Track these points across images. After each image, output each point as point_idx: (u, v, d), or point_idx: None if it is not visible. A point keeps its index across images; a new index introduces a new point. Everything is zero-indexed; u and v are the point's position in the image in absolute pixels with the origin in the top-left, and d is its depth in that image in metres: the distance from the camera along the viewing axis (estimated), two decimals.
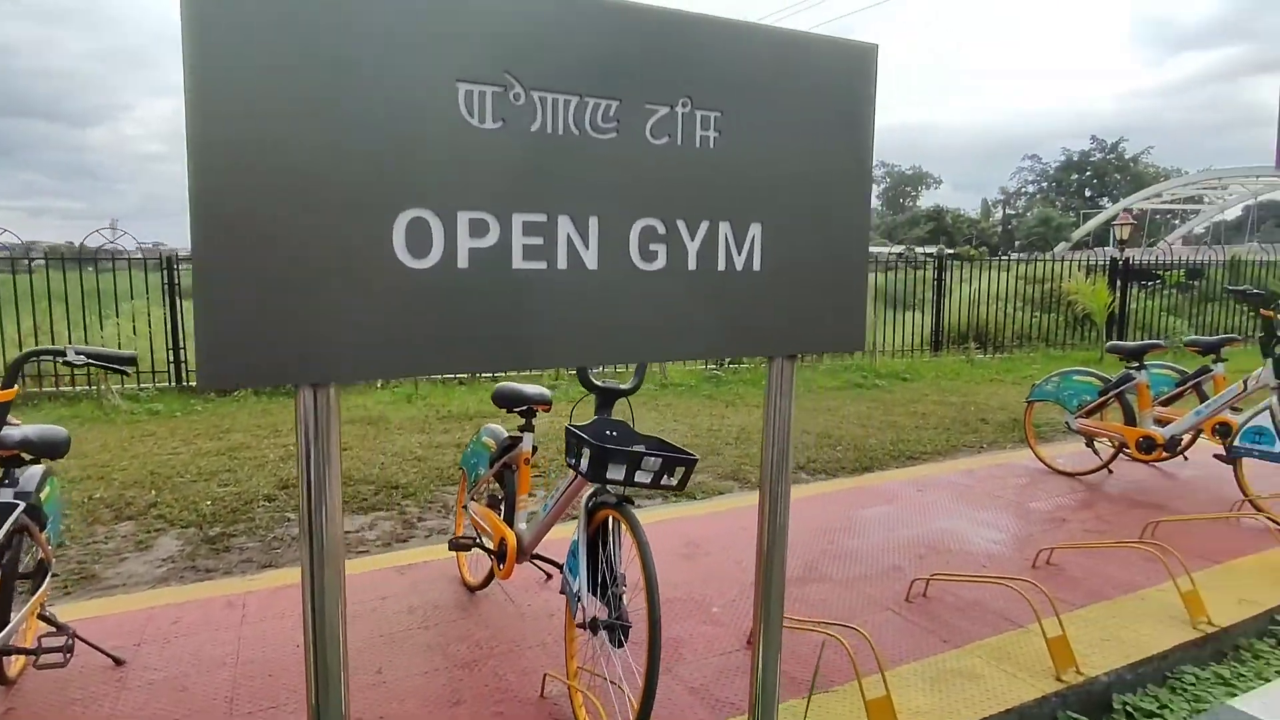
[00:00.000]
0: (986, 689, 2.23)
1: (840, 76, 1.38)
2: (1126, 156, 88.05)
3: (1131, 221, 11.82)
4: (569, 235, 1.17)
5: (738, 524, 3.73)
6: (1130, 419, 4.21)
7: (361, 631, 2.56)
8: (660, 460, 2.00)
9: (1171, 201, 55.85)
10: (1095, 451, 4.46)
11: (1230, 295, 3.93)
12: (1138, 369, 4.22)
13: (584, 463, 2.04)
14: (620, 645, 2.00)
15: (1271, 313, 4.04)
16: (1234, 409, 4.46)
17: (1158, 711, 2.22)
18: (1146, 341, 4.24)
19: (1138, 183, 74.64)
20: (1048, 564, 3.14)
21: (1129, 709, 2.24)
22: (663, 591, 1.96)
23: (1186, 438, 4.70)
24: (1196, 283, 13.28)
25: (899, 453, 5.42)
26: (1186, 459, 4.70)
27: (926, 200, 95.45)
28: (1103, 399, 4.34)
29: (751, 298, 1.36)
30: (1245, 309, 12.98)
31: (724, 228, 1.31)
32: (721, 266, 1.32)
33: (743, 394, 7.86)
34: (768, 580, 1.55)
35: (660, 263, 1.26)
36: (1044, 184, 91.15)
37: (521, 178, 1.12)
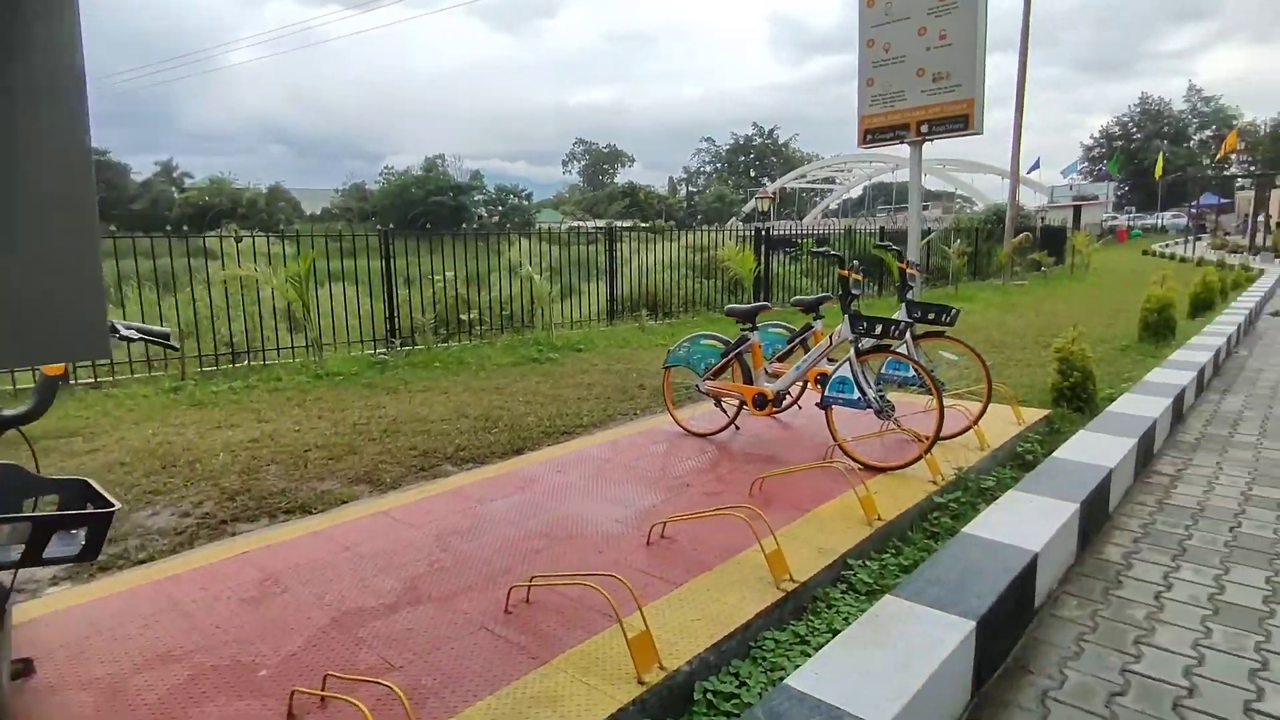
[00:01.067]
0: (564, 714, 1.93)
1: None
2: (780, 142, 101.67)
3: (769, 196, 13.32)
4: None
5: (346, 542, 3.12)
6: (748, 378, 4.39)
7: None
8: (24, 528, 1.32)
9: (813, 181, 65.76)
10: (724, 410, 4.62)
11: (814, 255, 4.20)
12: (751, 330, 4.43)
13: None
14: None
15: (847, 272, 4.49)
16: (832, 360, 4.92)
17: (736, 691, 2.12)
18: (755, 304, 4.47)
19: (789, 165, 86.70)
20: (661, 538, 3.03)
21: (709, 695, 2.11)
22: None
23: (795, 390, 5.09)
24: (824, 249, 15.47)
25: (556, 429, 5.21)
26: (800, 408, 5.14)
27: (622, 177, 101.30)
28: (725, 360, 4.48)
29: None
30: (867, 279, 15.50)
31: None
32: None
33: (409, 378, 7.15)
34: None
35: None
36: (718, 164, 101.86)
37: None
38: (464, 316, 9.67)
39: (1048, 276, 21.05)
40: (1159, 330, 8.07)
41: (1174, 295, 8.27)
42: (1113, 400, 5.24)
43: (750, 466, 4.00)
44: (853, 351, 3.90)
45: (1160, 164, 45.78)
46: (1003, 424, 4.61)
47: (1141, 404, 4.78)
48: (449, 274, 9.76)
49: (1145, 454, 4.20)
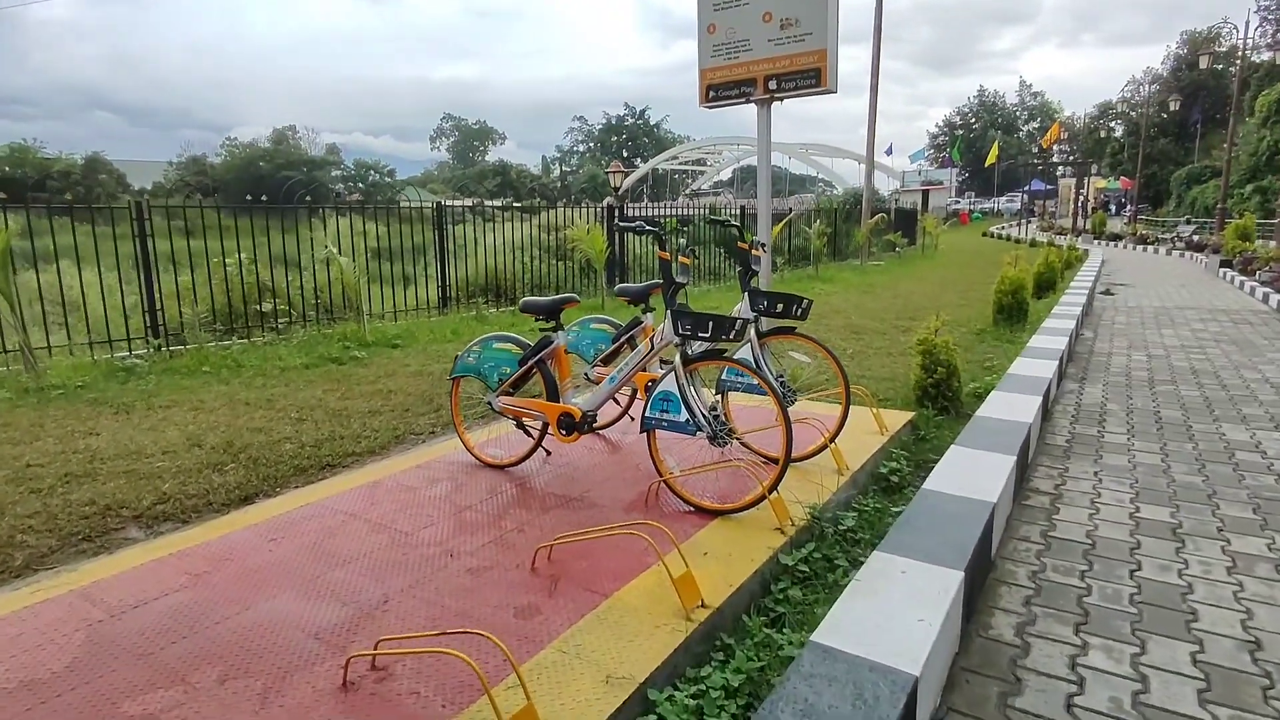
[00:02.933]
0: None
1: None
2: (652, 123, 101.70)
3: (622, 170, 12.37)
4: None
5: None
6: (552, 392, 3.37)
7: None
8: None
9: (684, 163, 65.92)
10: (527, 432, 3.58)
11: (711, 224, 3.27)
12: (554, 329, 3.41)
13: None
14: None
15: (746, 245, 3.60)
16: (668, 363, 4.01)
17: None
18: (559, 296, 3.44)
19: (660, 146, 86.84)
20: (371, 669, 1.96)
21: None
22: None
23: (623, 398, 4.15)
24: (687, 229, 14.75)
25: (317, 461, 3.98)
26: (633, 419, 4.20)
27: (494, 155, 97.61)
28: (524, 369, 3.44)
29: None
30: (725, 254, 14.91)
31: None
32: None
33: (156, 391, 5.61)
34: None
35: None
36: (591, 144, 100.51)
37: None
38: (262, 307, 8.07)
39: (902, 256, 21.57)
40: (1012, 313, 7.83)
41: (1025, 277, 8.07)
42: (981, 399, 4.67)
43: (547, 518, 2.98)
44: (678, 360, 2.97)
45: (995, 151, 49.21)
46: (862, 435, 3.87)
47: (1011, 405, 4.19)
48: (242, 257, 8.10)
49: (1021, 469, 3.56)
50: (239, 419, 4.83)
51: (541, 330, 3.38)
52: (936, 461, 3.83)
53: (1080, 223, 34.75)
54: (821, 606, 2.29)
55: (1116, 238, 28.49)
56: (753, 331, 3.63)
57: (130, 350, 6.87)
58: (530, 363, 3.39)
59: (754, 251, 3.70)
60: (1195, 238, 21.60)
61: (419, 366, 6.42)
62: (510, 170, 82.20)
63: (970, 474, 3.05)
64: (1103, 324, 8.83)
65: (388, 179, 71.55)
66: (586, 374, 4.06)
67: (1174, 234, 25.19)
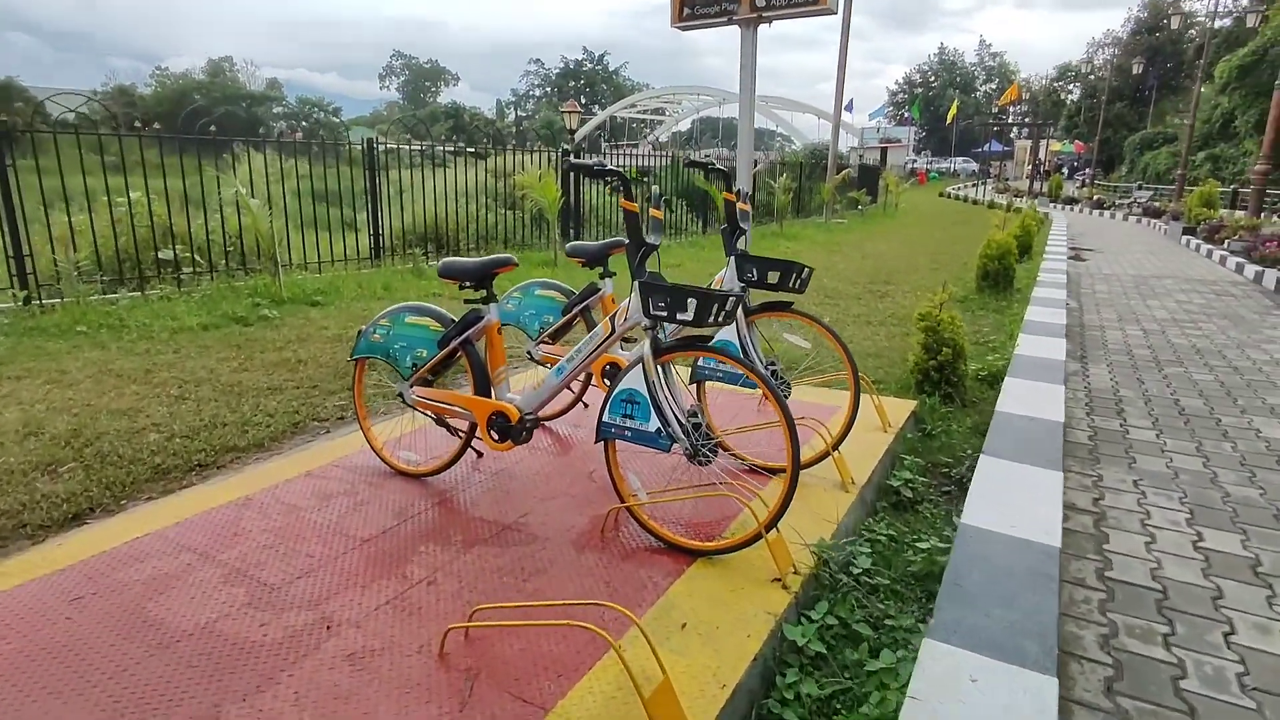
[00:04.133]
0: None
1: None
2: (611, 69, 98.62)
3: (578, 110, 11.35)
4: None
5: None
6: (481, 383, 2.59)
7: None
8: None
9: (643, 111, 64.11)
10: (450, 430, 2.80)
11: (690, 167, 2.31)
12: (485, 301, 2.60)
13: None
14: None
15: (734, 196, 2.84)
16: (630, 343, 3.27)
17: None
18: (491, 257, 2.62)
19: (619, 94, 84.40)
20: None
21: None
22: None
23: (576, 384, 3.40)
24: (647, 179, 13.83)
25: (185, 458, 3.13)
26: (586, 406, 3.46)
27: (446, 97, 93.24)
28: (445, 352, 2.64)
29: None
30: (689, 206, 14.03)
31: None
32: None
33: (6, 357, 4.61)
34: None
35: None
36: (548, 89, 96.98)
37: None
38: (159, 255, 6.98)
39: (864, 214, 21.04)
40: (998, 280, 7.27)
41: (1011, 243, 7.50)
42: (986, 384, 4.07)
43: (469, 559, 2.23)
44: (647, 349, 2.22)
45: (954, 109, 48.84)
46: (863, 432, 3.20)
47: (1033, 397, 3.58)
48: (133, 196, 6.96)
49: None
50: (102, 396, 3.92)
51: (468, 302, 2.58)
52: (949, 467, 3.21)
53: (1037, 185, 34.78)
54: (850, 718, 1.62)
55: (1072, 201, 28.48)
56: (648, 347, 2.87)
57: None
58: (454, 343, 2.60)
59: (740, 205, 2.94)
60: (1155, 204, 21.56)
61: (337, 329, 5.52)
62: (463, 113, 78.90)
63: (1013, 498, 2.42)
64: (1084, 293, 8.36)
65: (334, 118, 67.88)
66: (530, 352, 3.29)
67: (1131, 199, 25.22)
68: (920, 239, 14.75)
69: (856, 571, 2.28)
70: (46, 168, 6.07)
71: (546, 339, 3.25)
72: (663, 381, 2.25)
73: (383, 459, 2.87)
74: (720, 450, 2.50)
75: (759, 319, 2.92)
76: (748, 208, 2.99)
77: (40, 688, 1.65)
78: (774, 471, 2.82)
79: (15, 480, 2.88)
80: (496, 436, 2.52)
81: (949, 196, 36.07)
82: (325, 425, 3.60)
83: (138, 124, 7.21)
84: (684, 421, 2.23)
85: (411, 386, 2.70)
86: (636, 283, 2.22)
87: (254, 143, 8.76)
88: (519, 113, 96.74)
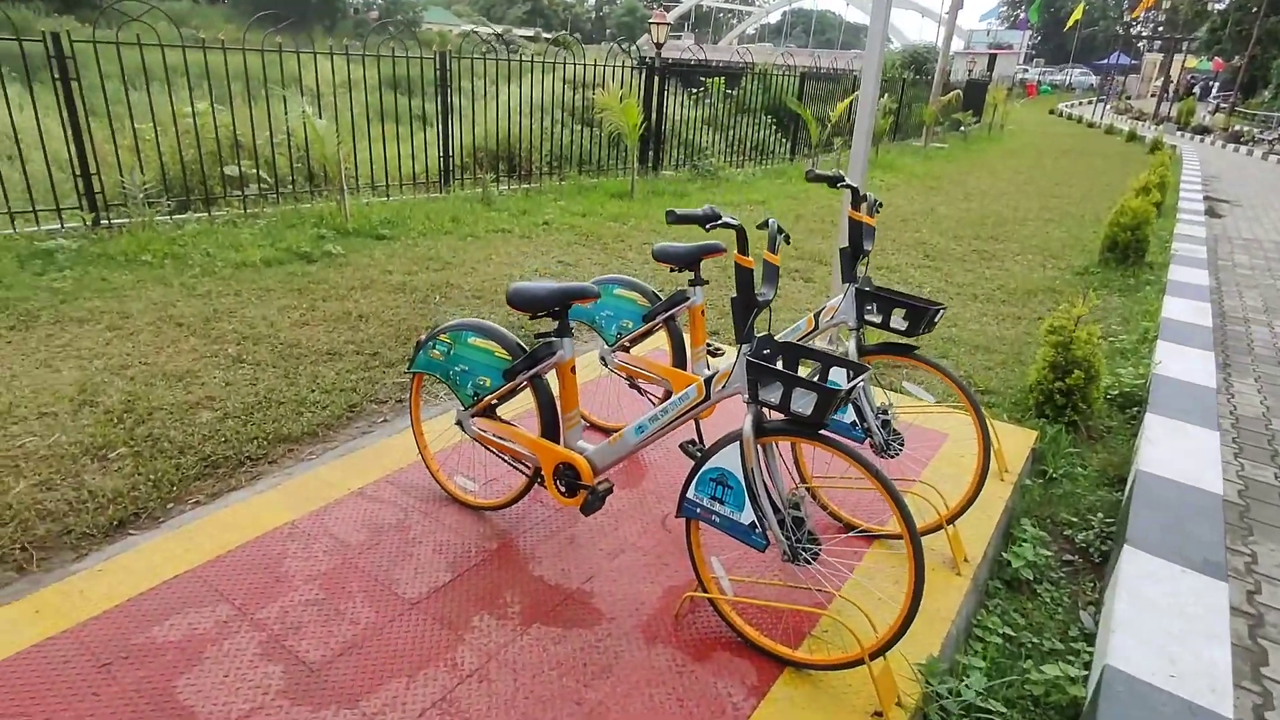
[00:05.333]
0: None
1: None
2: None
3: (666, 21, 10.37)
4: None
5: None
6: (549, 426, 2.27)
7: None
8: None
9: (730, 0, 59.98)
10: (514, 465, 2.50)
11: (813, 180, 1.81)
12: (558, 334, 2.23)
13: None
14: None
15: (862, 214, 2.38)
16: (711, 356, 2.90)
17: None
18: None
19: None
20: None
21: None
22: None
23: (652, 400, 3.07)
24: (734, 91, 12.82)
25: (237, 448, 2.97)
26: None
27: None
28: (509, 386, 2.31)
29: None
30: (781, 136, 12.98)
31: None
32: None
33: (73, 292, 4.54)
34: None
35: None
36: None
37: None
38: (225, 171, 6.78)
39: (967, 137, 19.34)
40: (1129, 252, 6.44)
41: (1151, 210, 6.57)
42: (1117, 407, 3.55)
43: (524, 643, 1.98)
44: (748, 425, 1.85)
45: (1079, 12, 43.72)
46: (973, 477, 2.78)
47: (1183, 453, 3.05)
48: (200, 106, 6.71)
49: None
50: (160, 352, 3.79)
51: (540, 336, 2.22)
52: (1073, 527, 2.79)
53: (1165, 109, 31.28)
54: None
55: (1204, 131, 25.55)
56: (852, 344, 2.46)
57: (62, 223, 5.72)
58: (521, 377, 2.27)
59: (867, 220, 2.44)
60: None
61: (403, 275, 5.26)
62: None
63: (1169, 624, 2.01)
64: (1221, 265, 7.39)
65: None
66: (603, 357, 2.94)
67: (1276, 135, 22.42)
68: (1030, 174, 13.43)
69: (968, 697, 1.94)
70: (109, 73, 5.83)
71: (624, 345, 2.89)
72: (763, 466, 1.89)
73: (438, 482, 2.62)
74: (819, 522, 2.15)
75: (874, 360, 2.48)
76: (873, 222, 2.48)
77: None
78: (875, 536, 2.46)
79: (66, 468, 2.76)
80: (564, 490, 2.22)
81: (1060, 115, 32.99)
82: (381, 413, 3.37)
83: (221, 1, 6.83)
84: (785, 515, 1.88)
85: (471, 416, 2.41)
86: (743, 356, 1.82)
87: (327, 27, 8.30)
88: None
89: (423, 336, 2.50)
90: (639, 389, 2.94)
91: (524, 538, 2.44)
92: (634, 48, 11.39)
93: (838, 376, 1.94)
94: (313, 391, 3.49)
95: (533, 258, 5.96)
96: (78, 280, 4.71)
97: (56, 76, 5.44)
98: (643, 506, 2.65)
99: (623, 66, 9.29)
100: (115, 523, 2.50)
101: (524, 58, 9.12)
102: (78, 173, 5.67)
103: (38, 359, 3.63)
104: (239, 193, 6.71)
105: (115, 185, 5.93)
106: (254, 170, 6.93)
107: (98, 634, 1.94)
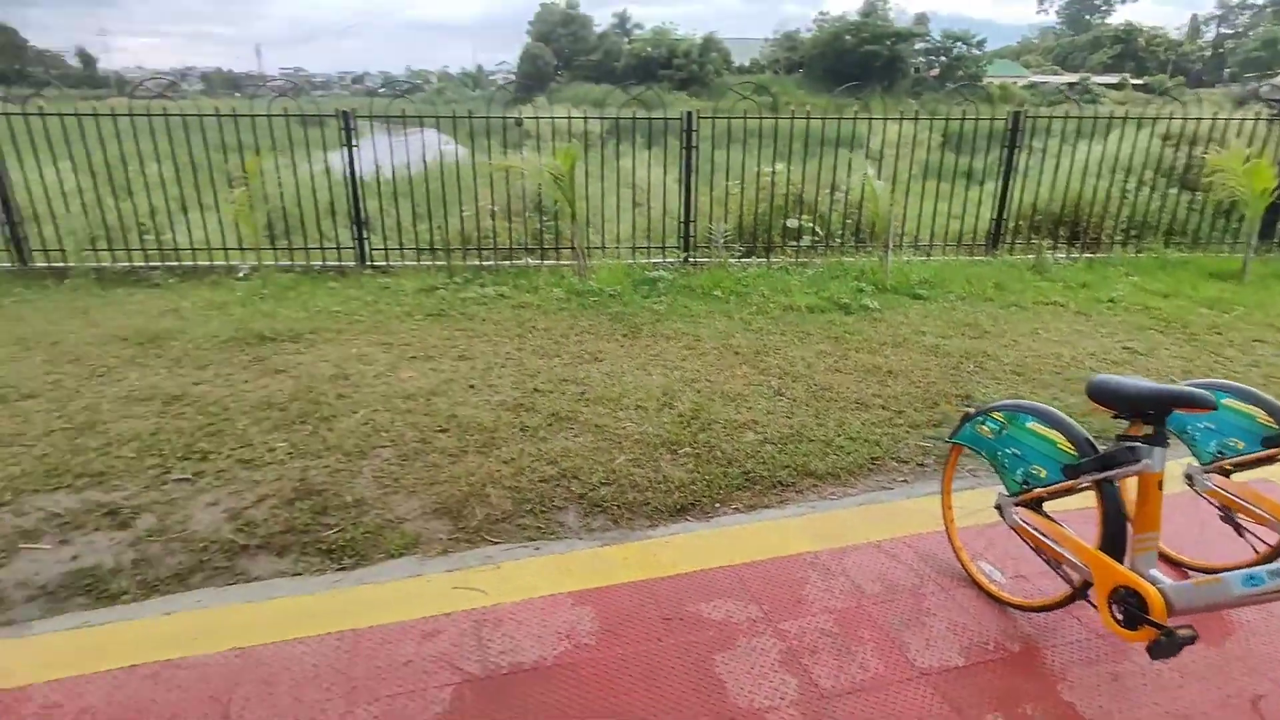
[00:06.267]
0: None
1: None
2: None
3: None
4: None
5: None
6: (1113, 540, 1.95)
7: None
8: None
9: None
10: (1059, 570, 2.24)
11: None
12: (1150, 441, 1.90)
13: None
14: None
15: None
16: None
17: None
18: (1164, 387, 1.85)
19: None
20: None
21: None
22: None
23: (1253, 542, 2.45)
24: None
25: (770, 473, 3.35)
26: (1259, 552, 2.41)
27: (1120, 17, 79.05)
28: (1069, 483, 2.07)
29: None
30: None
31: None
32: None
33: (664, 311, 5.75)
34: None
35: None
36: None
37: None
38: (787, 223, 7.75)
39: None
40: None
41: None
42: None
43: None
44: None
45: None
46: None
47: None
48: (779, 166, 7.82)
49: None
50: (720, 374, 4.51)
51: (1122, 438, 1.94)
52: None
53: None
54: None
55: None
56: None
57: (664, 256, 7.29)
58: (1085, 475, 2.02)
59: None
60: None
61: (936, 338, 5.20)
62: (1137, 35, 66.19)
63: None
64: None
65: (975, 51, 64.68)
66: (1190, 475, 2.42)
67: None
68: None
69: None
70: (703, 135, 7.22)
71: (1224, 468, 2.33)
72: None
73: (959, 559, 2.52)
74: None
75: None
76: None
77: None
78: None
79: (649, 454, 3.51)
80: (1121, 618, 1.89)
81: None
82: (903, 471, 3.40)
83: (799, 69, 7.98)
84: None
85: (1014, 505, 2.24)
86: None
87: (888, 87, 8.78)
88: (1221, 29, 75.98)
89: (972, 409, 2.43)
90: (1237, 527, 2.33)
91: (1054, 653, 2.16)
92: (1268, 86, 9.06)
93: None
94: (839, 436, 3.71)
95: (1090, 338, 5.25)
96: (669, 305, 5.94)
97: (683, 145, 6.97)
98: (1223, 673, 2.08)
99: (1256, 119, 7.48)
100: (678, 507, 3.08)
101: (1102, 112, 8.10)
102: (679, 219, 7.16)
103: (638, 363, 4.70)
104: (794, 243, 7.57)
105: (704, 230, 7.30)
106: (810, 224, 7.74)
107: (664, 592, 2.41)
